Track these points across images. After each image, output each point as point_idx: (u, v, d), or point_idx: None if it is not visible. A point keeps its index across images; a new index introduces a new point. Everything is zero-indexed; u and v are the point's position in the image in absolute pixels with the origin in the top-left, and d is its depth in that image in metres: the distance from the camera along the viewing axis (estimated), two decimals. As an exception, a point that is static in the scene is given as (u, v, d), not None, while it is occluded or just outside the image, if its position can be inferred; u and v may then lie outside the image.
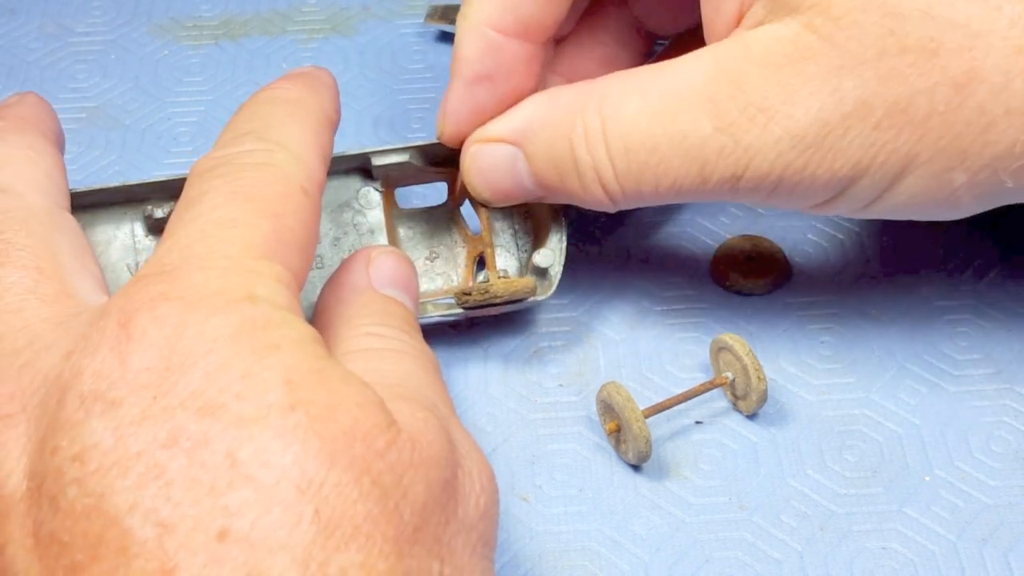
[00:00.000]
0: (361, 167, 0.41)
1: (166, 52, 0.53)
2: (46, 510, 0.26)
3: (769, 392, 0.40)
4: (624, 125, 0.36)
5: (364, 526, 0.26)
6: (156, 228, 0.40)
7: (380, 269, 0.37)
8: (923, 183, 0.34)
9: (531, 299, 0.40)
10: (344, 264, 0.37)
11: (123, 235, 0.40)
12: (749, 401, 0.39)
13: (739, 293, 0.43)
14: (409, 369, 0.33)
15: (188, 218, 0.31)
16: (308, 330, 0.30)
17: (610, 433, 0.38)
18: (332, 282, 0.37)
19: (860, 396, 0.40)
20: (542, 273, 0.40)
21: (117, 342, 0.28)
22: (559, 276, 0.40)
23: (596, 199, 0.38)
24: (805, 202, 0.36)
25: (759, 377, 0.38)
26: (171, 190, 0.39)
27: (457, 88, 0.39)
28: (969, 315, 0.42)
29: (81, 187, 0.39)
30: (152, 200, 0.39)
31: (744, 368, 0.38)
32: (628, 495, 0.38)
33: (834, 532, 0.37)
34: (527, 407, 0.40)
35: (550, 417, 0.40)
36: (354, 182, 0.42)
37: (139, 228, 0.40)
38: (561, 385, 0.41)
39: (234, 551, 0.25)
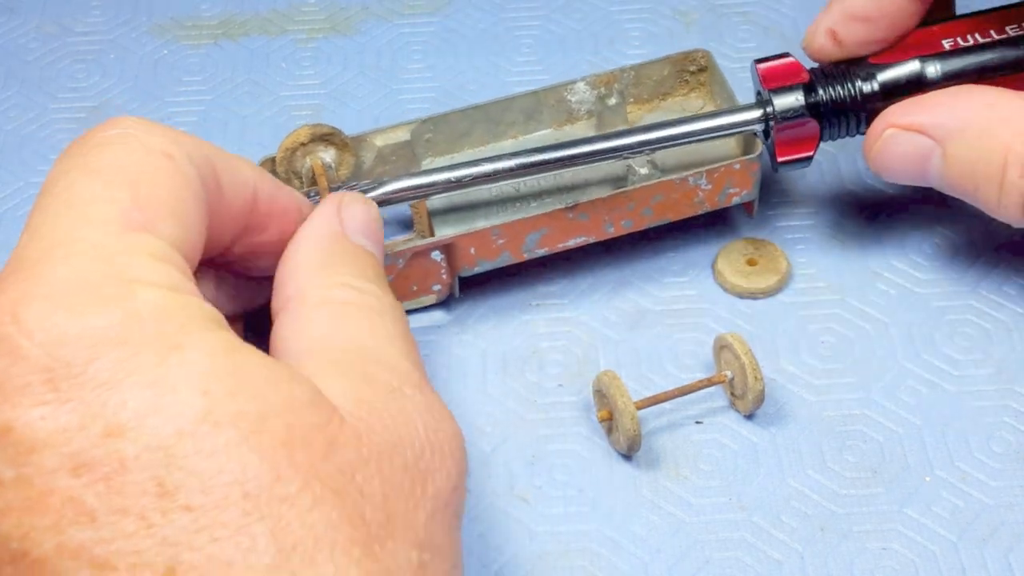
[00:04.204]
0: None
1: (166, 52, 0.53)
2: None
3: (769, 392, 0.39)
4: None
5: (327, 535, 0.25)
6: None
7: (353, 217, 0.35)
8: None
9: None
10: (316, 210, 0.35)
11: None
12: (746, 401, 0.38)
13: (740, 297, 0.43)
14: (382, 330, 0.32)
15: (43, 205, 0.28)
16: (203, 311, 0.27)
17: (602, 421, 0.38)
18: (304, 227, 0.35)
19: (860, 396, 0.40)
20: None
21: None
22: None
23: (1010, 217, 0.38)
24: None
25: (756, 377, 0.38)
26: None
27: (836, 16, 0.40)
28: (969, 315, 0.42)
29: None
30: None
31: (742, 367, 0.38)
32: (628, 495, 0.38)
33: (834, 532, 0.37)
34: (526, 407, 0.40)
35: (549, 417, 0.40)
36: None
37: None
38: (561, 385, 0.41)
39: None
